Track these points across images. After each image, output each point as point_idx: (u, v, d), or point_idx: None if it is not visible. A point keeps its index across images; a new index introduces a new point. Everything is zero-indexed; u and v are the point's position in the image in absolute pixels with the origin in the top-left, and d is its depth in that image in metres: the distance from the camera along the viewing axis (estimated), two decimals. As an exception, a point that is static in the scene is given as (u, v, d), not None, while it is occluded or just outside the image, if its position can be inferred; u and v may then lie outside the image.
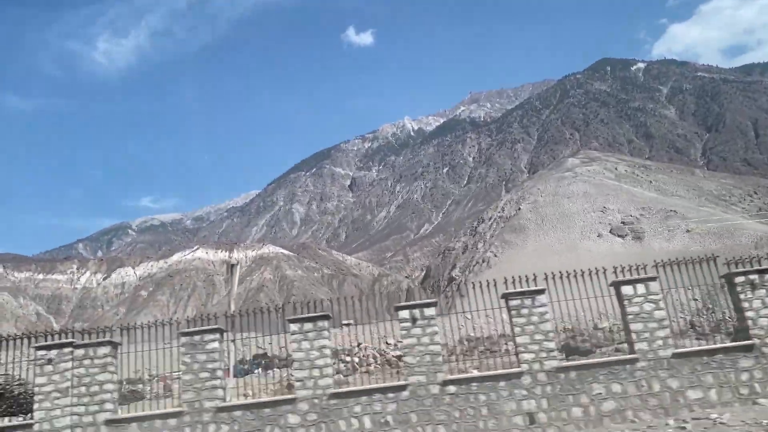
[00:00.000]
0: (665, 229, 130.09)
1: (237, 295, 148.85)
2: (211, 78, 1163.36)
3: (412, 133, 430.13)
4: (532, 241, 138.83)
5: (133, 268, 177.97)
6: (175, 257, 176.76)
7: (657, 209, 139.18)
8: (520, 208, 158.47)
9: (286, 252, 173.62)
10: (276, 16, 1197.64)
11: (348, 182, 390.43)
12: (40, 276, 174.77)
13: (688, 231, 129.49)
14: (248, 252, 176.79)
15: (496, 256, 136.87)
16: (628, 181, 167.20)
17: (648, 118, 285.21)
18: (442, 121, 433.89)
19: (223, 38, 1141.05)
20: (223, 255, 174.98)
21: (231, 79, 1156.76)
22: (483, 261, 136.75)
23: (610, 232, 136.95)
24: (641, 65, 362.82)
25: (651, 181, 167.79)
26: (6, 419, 12.48)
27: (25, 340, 12.88)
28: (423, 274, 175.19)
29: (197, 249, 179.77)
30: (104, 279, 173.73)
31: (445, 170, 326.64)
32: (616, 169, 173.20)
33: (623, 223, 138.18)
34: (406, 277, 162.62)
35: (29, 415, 12.03)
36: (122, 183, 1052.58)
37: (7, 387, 13.98)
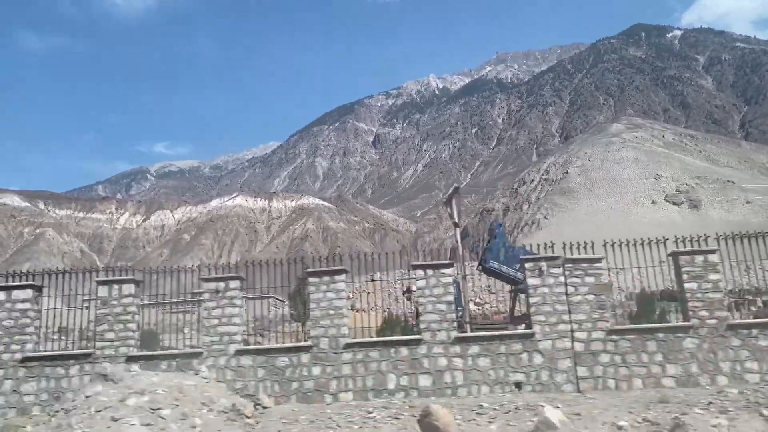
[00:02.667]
0: (724, 200, 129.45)
1: (281, 244, 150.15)
2: (230, 26, 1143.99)
3: (436, 92, 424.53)
4: (584, 205, 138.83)
5: (171, 211, 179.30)
6: (214, 203, 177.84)
7: (713, 179, 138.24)
8: (567, 172, 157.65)
9: (326, 204, 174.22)
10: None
11: (371, 138, 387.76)
12: (80, 214, 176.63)
13: (748, 202, 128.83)
14: (287, 202, 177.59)
15: (546, 218, 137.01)
16: (677, 149, 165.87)
17: (684, 88, 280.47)
18: (467, 80, 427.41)
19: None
20: (262, 203, 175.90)
21: (252, 28, 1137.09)
22: (533, 222, 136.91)
23: (665, 199, 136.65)
24: (677, 33, 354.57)
25: (700, 151, 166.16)
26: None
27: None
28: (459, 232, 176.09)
29: (236, 196, 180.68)
30: (143, 221, 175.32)
31: (473, 131, 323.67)
32: (663, 136, 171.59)
33: (678, 191, 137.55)
34: (450, 235, 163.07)
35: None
36: (136, 128, 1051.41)
37: None
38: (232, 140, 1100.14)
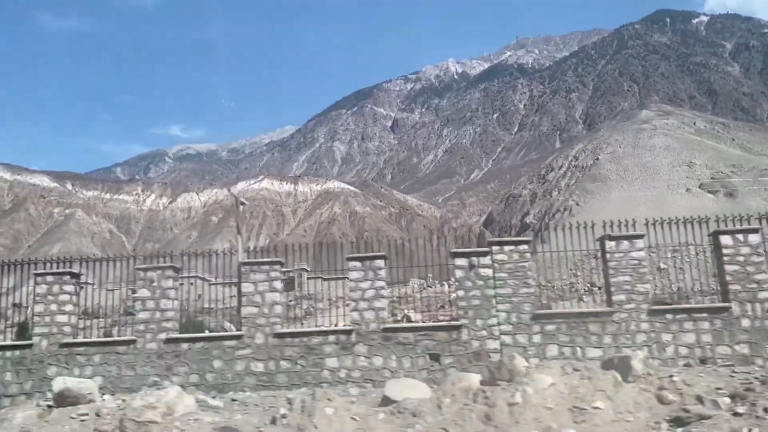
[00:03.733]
0: (761, 188, 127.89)
1: (308, 227, 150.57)
2: (246, 8, 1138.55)
3: (455, 76, 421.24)
4: (616, 192, 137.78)
5: (197, 194, 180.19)
6: (240, 186, 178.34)
7: (748, 167, 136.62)
8: (598, 158, 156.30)
9: (352, 188, 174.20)
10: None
11: (389, 123, 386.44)
12: (107, 195, 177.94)
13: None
14: (312, 185, 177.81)
15: (578, 204, 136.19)
16: (709, 137, 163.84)
17: (711, 75, 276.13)
18: (487, 65, 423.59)
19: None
20: (288, 187, 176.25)
21: (268, 10, 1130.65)
22: (564, 209, 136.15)
23: (700, 187, 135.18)
24: (703, 18, 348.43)
25: (733, 139, 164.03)
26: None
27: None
28: (483, 219, 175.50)
29: (262, 179, 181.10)
30: (170, 203, 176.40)
31: (494, 116, 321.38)
32: (694, 123, 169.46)
33: (713, 179, 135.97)
34: (476, 221, 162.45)
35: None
36: (151, 110, 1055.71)
37: None
38: (248, 124, 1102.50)
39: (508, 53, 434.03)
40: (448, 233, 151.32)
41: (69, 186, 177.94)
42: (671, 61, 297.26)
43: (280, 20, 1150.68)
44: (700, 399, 7.70)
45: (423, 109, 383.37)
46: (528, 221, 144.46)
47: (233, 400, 10.42)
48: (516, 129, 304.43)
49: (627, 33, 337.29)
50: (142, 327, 12.31)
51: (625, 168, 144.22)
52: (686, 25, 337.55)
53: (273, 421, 7.69)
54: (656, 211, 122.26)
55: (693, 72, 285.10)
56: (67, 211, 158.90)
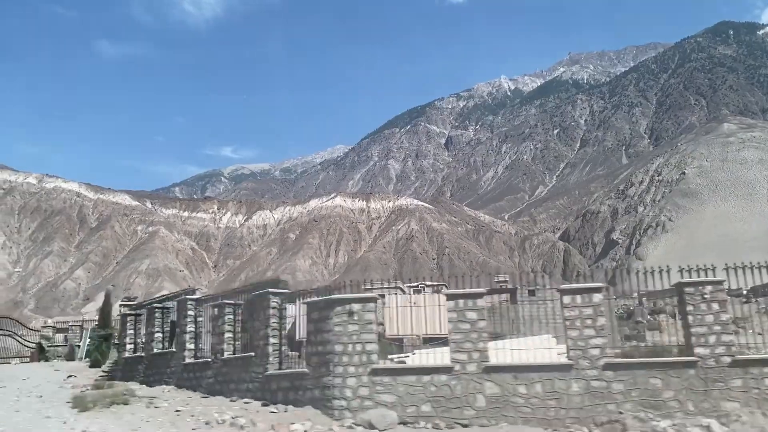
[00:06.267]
0: None
1: (387, 244, 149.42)
2: (298, 31, 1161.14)
3: (508, 93, 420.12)
4: (710, 206, 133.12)
5: (271, 211, 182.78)
6: (313, 203, 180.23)
7: None
8: (684, 173, 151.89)
9: (426, 204, 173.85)
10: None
11: (443, 140, 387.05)
12: (185, 213, 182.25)
13: None
14: (384, 202, 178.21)
15: (671, 220, 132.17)
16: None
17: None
18: (540, 81, 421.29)
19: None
20: (360, 203, 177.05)
21: (319, 33, 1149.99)
22: (657, 225, 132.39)
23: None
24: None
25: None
26: None
27: None
28: (558, 235, 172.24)
29: (335, 196, 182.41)
30: (246, 220, 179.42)
31: (555, 132, 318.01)
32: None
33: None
34: (559, 238, 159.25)
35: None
36: (204, 131, 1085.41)
37: None
38: (298, 143, 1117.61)
39: (562, 69, 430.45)
40: (530, 250, 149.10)
41: (149, 204, 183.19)
42: (739, 73, 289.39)
43: (331, 41, 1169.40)
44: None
45: (477, 126, 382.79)
46: (614, 237, 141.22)
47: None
48: (578, 145, 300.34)
49: (689, 46, 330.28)
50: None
51: (716, 182, 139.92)
52: (751, 36, 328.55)
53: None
54: (758, 227, 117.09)
55: (763, 84, 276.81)
56: (150, 228, 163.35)
